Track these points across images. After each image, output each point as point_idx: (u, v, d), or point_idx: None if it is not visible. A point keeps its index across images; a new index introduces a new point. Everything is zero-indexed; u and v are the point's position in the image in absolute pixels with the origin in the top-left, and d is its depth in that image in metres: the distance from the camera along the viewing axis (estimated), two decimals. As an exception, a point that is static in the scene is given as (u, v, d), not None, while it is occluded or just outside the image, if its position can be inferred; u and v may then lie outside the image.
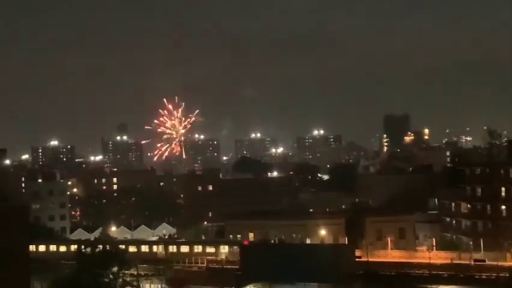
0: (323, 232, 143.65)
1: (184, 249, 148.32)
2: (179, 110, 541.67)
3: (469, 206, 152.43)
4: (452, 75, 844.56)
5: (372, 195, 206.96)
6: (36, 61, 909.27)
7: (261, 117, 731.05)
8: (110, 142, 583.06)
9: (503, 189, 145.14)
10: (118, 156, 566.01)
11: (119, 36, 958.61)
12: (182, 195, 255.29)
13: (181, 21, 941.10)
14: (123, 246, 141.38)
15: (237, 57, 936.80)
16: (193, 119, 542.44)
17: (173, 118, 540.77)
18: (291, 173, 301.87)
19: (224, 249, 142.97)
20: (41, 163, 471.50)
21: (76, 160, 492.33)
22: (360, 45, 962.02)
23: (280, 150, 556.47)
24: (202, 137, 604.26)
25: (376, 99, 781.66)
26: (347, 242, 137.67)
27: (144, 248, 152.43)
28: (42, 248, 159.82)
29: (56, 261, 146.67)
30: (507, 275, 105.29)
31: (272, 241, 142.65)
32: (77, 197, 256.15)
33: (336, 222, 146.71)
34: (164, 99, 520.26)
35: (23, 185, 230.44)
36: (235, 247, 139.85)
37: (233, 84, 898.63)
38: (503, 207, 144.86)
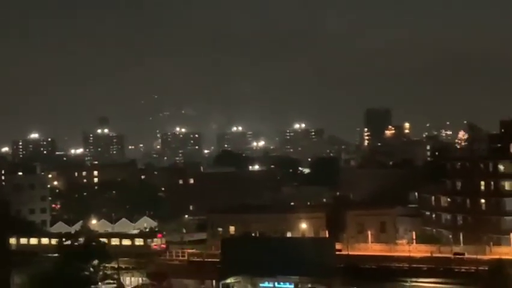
0: (304, 226, 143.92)
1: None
2: None
3: (448, 200, 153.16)
4: (432, 70, 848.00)
5: (354, 189, 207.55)
6: (17, 53, 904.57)
7: (243, 111, 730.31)
8: (91, 135, 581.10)
9: (482, 183, 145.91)
10: (99, 149, 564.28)
11: (103, 29, 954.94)
12: (163, 189, 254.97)
13: (167, 14, 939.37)
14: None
15: (221, 52, 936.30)
16: None
17: None
18: (273, 166, 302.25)
19: (139, 242, 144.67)
20: (21, 156, 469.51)
21: (57, 153, 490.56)
22: (342, 41, 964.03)
23: (261, 143, 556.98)
24: (183, 130, 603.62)
25: (357, 94, 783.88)
26: (327, 236, 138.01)
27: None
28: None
29: (36, 255, 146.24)
30: (486, 268, 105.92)
31: (253, 234, 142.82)
32: (57, 190, 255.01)
33: (317, 216, 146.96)
34: None
35: (3, 178, 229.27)
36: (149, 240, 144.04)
37: (215, 78, 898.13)
38: (483, 201, 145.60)
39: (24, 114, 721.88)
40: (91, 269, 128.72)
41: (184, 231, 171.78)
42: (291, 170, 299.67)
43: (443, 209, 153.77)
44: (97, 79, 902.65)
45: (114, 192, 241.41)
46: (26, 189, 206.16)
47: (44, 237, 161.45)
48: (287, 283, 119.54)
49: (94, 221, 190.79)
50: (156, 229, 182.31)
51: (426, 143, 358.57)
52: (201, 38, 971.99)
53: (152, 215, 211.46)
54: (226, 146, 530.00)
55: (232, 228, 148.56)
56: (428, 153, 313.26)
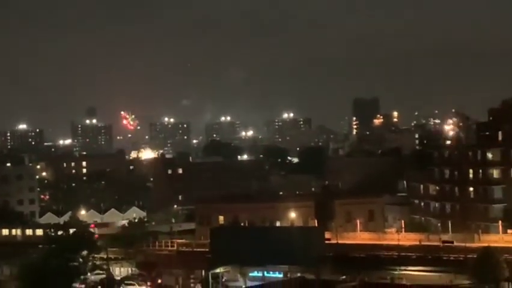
0: (292, 215, 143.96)
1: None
2: None
3: (437, 188, 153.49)
4: (421, 59, 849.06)
5: (342, 178, 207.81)
6: (4, 42, 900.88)
7: (231, 100, 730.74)
8: (80, 126, 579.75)
9: (471, 171, 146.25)
10: (87, 140, 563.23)
11: (91, 17, 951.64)
12: (152, 179, 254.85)
13: (156, 2, 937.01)
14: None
15: (210, 42, 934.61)
16: None
17: None
18: (261, 156, 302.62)
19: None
20: (9, 147, 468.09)
21: (45, 144, 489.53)
22: (330, 29, 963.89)
23: (250, 133, 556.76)
24: (172, 119, 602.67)
25: (345, 83, 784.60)
26: (316, 225, 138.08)
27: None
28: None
29: (25, 246, 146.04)
30: (475, 256, 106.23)
31: (242, 224, 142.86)
32: (46, 181, 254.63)
33: (306, 205, 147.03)
34: None
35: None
36: None
37: (205, 68, 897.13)
38: (471, 189, 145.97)
39: (12, 105, 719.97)
40: (80, 260, 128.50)
41: (173, 221, 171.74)
42: (279, 160, 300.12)
43: (432, 197, 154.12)
44: (86, 70, 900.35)
45: (103, 182, 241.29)
46: (14, 180, 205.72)
47: (33, 228, 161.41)
48: (276, 272, 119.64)
49: (83, 212, 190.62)
50: (145, 219, 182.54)
51: (415, 132, 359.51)
52: (190, 28, 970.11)
53: (141, 205, 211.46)
54: (214, 135, 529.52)
55: (221, 218, 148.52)
56: (417, 141, 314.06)
